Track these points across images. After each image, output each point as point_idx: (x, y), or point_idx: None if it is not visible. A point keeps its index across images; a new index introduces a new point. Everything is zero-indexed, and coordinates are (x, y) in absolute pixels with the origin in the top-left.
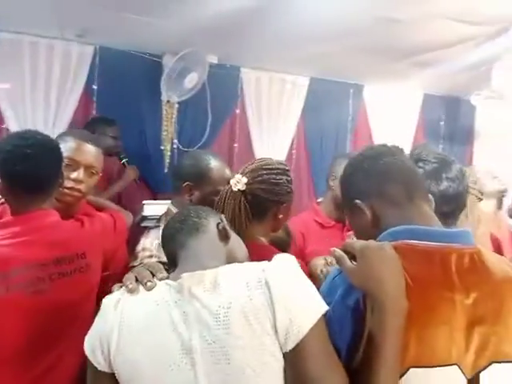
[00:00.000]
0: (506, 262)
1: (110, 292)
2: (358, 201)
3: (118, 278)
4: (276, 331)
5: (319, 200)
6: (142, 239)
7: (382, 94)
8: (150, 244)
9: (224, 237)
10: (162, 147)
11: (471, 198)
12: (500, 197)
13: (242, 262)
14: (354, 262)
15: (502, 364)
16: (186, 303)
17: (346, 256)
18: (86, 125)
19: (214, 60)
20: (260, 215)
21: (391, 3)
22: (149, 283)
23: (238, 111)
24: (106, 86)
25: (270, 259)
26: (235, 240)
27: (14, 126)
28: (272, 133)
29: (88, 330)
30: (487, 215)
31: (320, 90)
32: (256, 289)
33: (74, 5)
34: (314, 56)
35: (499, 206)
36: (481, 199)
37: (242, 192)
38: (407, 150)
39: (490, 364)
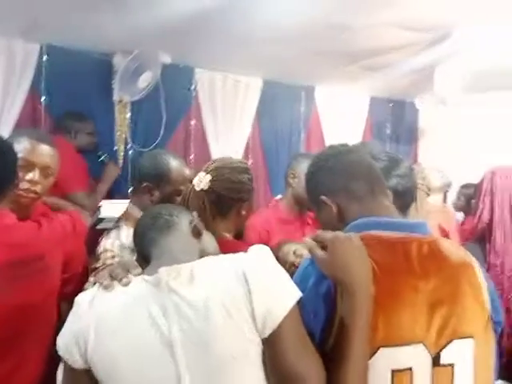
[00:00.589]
0: (460, 248)
1: (70, 293)
2: (323, 197)
3: (78, 280)
4: (254, 319)
5: (279, 197)
6: (103, 240)
7: (332, 96)
8: (111, 245)
9: (197, 233)
10: (116, 148)
11: (420, 193)
12: (444, 191)
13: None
14: (325, 252)
15: (460, 340)
16: (165, 297)
17: (316, 246)
18: (59, 121)
19: (167, 60)
20: (224, 213)
21: (343, 11)
22: (124, 279)
23: (192, 111)
24: (54, 85)
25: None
26: (207, 236)
27: None
28: (228, 133)
29: (51, 330)
30: (436, 208)
31: (273, 92)
32: (233, 279)
33: (17, 0)
34: (267, 58)
35: (444, 199)
36: (429, 194)
37: (205, 191)
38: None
39: (450, 342)
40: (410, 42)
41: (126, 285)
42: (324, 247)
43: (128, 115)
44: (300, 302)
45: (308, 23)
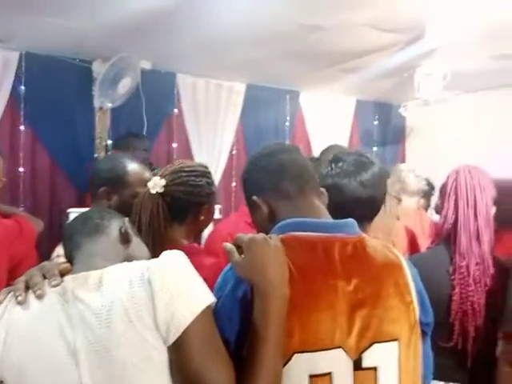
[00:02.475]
0: (389, 248)
1: None
2: (254, 197)
3: None
4: (157, 326)
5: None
6: (58, 246)
7: (317, 99)
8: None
9: (125, 240)
10: (96, 154)
11: (389, 197)
12: (424, 195)
13: None
14: (243, 255)
15: (382, 344)
16: (71, 306)
17: (234, 250)
18: (119, 140)
19: (147, 66)
20: (180, 217)
21: (313, 10)
22: (38, 291)
23: (174, 117)
24: (33, 93)
25: (193, 259)
26: (137, 244)
27: None
28: (211, 139)
29: None
30: (407, 211)
31: (257, 96)
32: (138, 286)
33: None
34: (247, 62)
35: (427, 203)
36: (400, 199)
37: (160, 194)
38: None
39: (371, 344)
40: (386, 43)
41: (40, 298)
42: (243, 250)
43: (108, 122)
44: (216, 308)
45: (277, 23)
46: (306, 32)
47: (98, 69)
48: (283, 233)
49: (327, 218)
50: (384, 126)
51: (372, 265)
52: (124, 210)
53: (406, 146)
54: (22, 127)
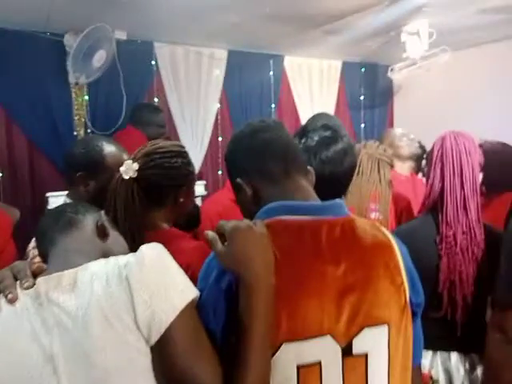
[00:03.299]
0: (378, 227)
1: None
2: (238, 179)
3: None
4: (138, 327)
5: None
6: (34, 238)
7: (302, 63)
8: None
9: (101, 234)
10: (75, 132)
11: (382, 163)
12: (416, 159)
13: None
14: (226, 245)
15: (372, 328)
16: (45, 309)
17: (217, 238)
18: (132, 112)
19: (122, 36)
20: (158, 201)
21: None
22: (10, 295)
23: (154, 89)
24: (3, 71)
25: (174, 244)
26: (115, 237)
27: None
28: (194, 108)
29: None
30: (400, 177)
31: (240, 63)
32: (115, 285)
33: None
34: (227, 27)
35: (419, 166)
36: (392, 165)
37: (134, 179)
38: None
39: (361, 330)
40: (370, 2)
41: (12, 302)
42: (226, 239)
43: (86, 98)
44: (200, 300)
45: None
46: None
47: (71, 42)
48: (269, 217)
49: (314, 200)
50: (371, 88)
51: (361, 247)
52: (102, 196)
53: (394, 107)
54: None
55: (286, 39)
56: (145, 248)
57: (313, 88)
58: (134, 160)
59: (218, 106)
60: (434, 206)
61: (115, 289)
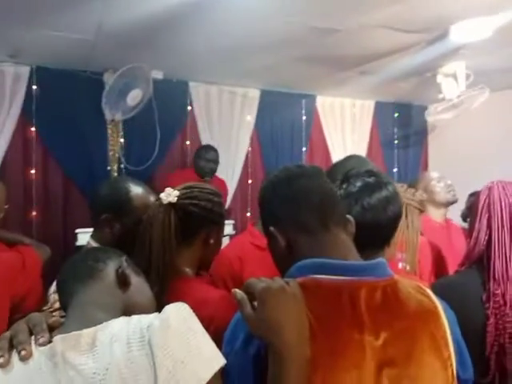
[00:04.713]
0: (423, 290)
1: None
2: (271, 228)
3: None
4: None
5: (254, 221)
6: (56, 281)
7: (334, 102)
8: None
9: (123, 283)
10: (109, 167)
11: (410, 208)
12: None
13: (144, 309)
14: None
15: None
16: (60, 371)
17: (246, 299)
18: (196, 152)
19: (159, 76)
20: (190, 237)
21: (324, 14)
22: (23, 352)
23: (188, 126)
24: (45, 106)
25: (197, 293)
26: (138, 285)
27: None
28: (225, 147)
29: None
30: (435, 224)
31: (272, 102)
32: (137, 349)
33: (4, 25)
34: (261, 68)
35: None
36: (422, 211)
37: (173, 206)
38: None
39: None
40: (405, 44)
41: (25, 360)
42: (255, 298)
43: (121, 134)
44: (225, 366)
45: (287, 28)
46: (319, 35)
47: (110, 80)
48: (303, 275)
49: (354, 258)
50: (405, 128)
51: (404, 314)
52: (128, 239)
53: (428, 149)
54: (34, 143)
55: (318, 79)
56: (170, 309)
57: (345, 128)
58: (174, 189)
59: (249, 146)
60: (479, 260)
61: (136, 353)
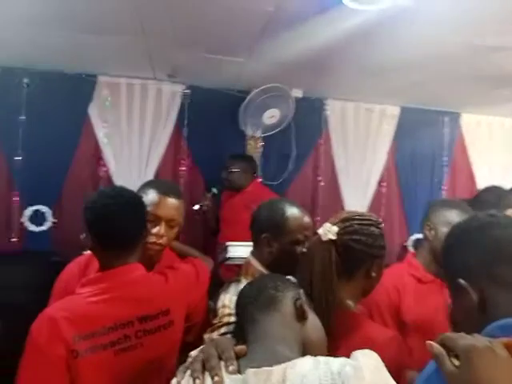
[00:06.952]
0: None
1: (190, 343)
2: (462, 281)
3: (199, 329)
4: None
5: (413, 251)
6: (222, 294)
7: (481, 122)
8: (229, 301)
9: (301, 316)
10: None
11: None
12: None
13: (318, 346)
14: (456, 362)
15: None
16: None
17: (445, 355)
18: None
19: (298, 94)
20: (351, 272)
21: (492, 31)
22: (216, 378)
23: (322, 144)
24: (195, 123)
25: (364, 330)
26: (312, 320)
27: (112, 164)
28: (358, 165)
29: (169, 380)
30: None
31: (412, 120)
32: None
33: (165, 47)
34: (404, 85)
35: None
36: None
37: (333, 242)
38: None
39: None
40: None
41: None
42: (456, 355)
43: (259, 149)
44: None
45: (452, 46)
46: (481, 54)
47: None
48: (507, 336)
49: None
50: None
51: None
52: (285, 257)
53: None
54: (184, 155)
55: (465, 97)
56: (361, 358)
57: (492, 149)
58: (332, 224)
59: (385, 164)
60: None
61: None
